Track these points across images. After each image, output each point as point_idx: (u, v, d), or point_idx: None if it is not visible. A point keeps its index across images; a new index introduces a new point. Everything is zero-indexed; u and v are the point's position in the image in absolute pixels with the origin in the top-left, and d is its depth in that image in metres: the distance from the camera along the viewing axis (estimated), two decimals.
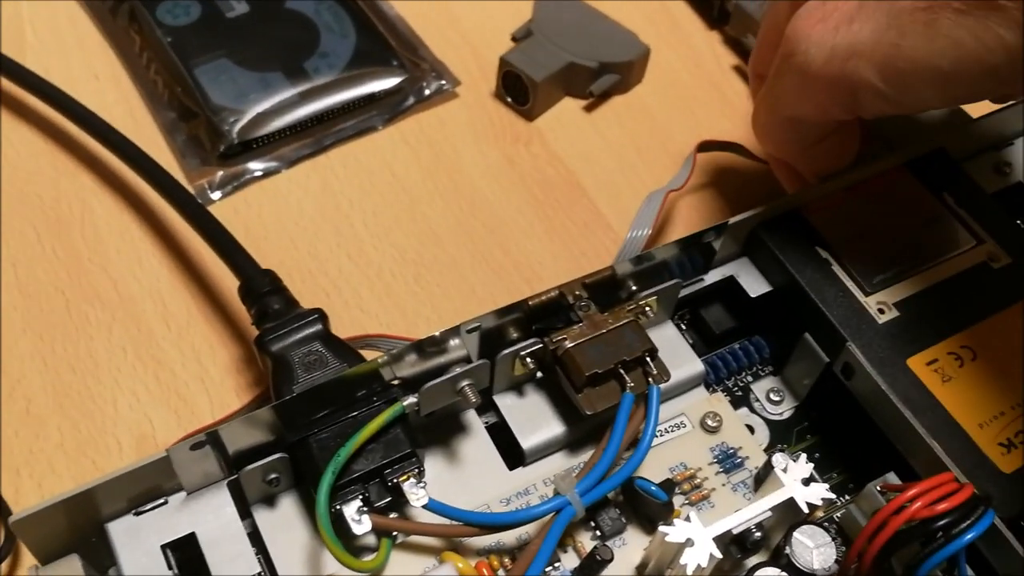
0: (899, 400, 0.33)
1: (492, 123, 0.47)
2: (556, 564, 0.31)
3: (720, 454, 0.34)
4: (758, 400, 0.37)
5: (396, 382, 0.32)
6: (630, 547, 0.31)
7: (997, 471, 0.32)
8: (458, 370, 0.31)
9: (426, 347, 0.31)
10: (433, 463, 0.33)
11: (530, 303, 0.33)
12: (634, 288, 0.34)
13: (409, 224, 0.43)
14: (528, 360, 0.33)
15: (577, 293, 0.33)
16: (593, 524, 0.32)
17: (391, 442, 0.30)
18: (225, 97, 0.44)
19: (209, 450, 0.29)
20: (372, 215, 0.43)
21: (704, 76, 0.50)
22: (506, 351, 0.32)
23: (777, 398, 0.37)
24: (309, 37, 0.47)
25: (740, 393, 0.37)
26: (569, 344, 0.32)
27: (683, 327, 0.38)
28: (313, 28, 0.47)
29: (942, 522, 0.28)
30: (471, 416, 0.34)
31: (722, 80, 0.50)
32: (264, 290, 0.34)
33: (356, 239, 0.42)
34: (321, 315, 0.34)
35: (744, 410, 0.37)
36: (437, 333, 0.31)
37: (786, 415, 0.37)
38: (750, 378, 0.38)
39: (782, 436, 0.36)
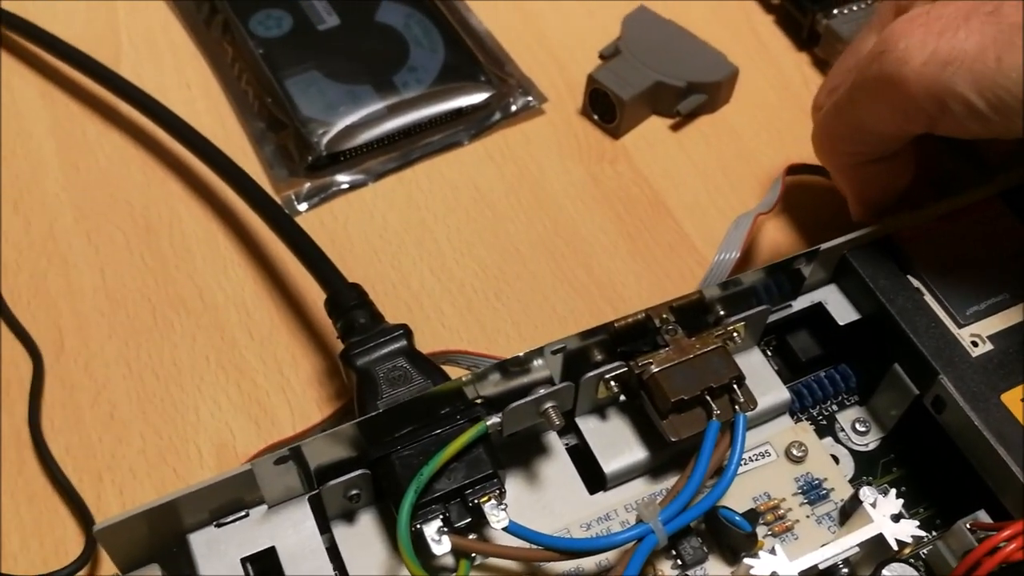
0: (992, 436, 0.32)
1: (578, 141, 0.47)
2: None
3: (805, 485, 0.33)
4: (843, 430, 0.36)
5: (479, 401, 0.32)
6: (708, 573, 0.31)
7: None
8: (542, 391, 0.31)
9: (510, 367, 0.31)
10: (513, 484, 0.33)
11: (616, 325, 0.32)
12: (722, 313, 0.34)
13: (492, 240, 0.43)
14: (612, 383, 0.33)
15: (664, 316, 0.33)
16: (674, 553, 0.31)
17: (473, 462, 0.30)
18: (314, 109, 0.45)
19: (292, 465, 0.29)
20: (455, 230, 0.43)
21: (792, 98, 0.49)
22: (591, 374, 0.32)
23: (863, 428, 0.36)
24: (398, 51, 0.47)
25: (825, 422, 0.37)
26: (655, 369, 0.32)
27: (768, 353, 0.38)
28: (403, 42, 0.48)
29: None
30: (552, 438, 0.34)
31: (810, 102, 0.49)
32: (351, 304, 0.35)
33: (439, 253, 0.42)
34: (406, 331, 0.34)
35: (829, 440, 0.36)
36: (522, 354, 0.31)
37: (872, 446, 0.36)
38: (835, 407, 0.37)
39: (867, 468, 0.36)
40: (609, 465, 0.33)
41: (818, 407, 0.37)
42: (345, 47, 0.47)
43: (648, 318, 0.33)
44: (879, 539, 0.29)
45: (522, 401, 0.30)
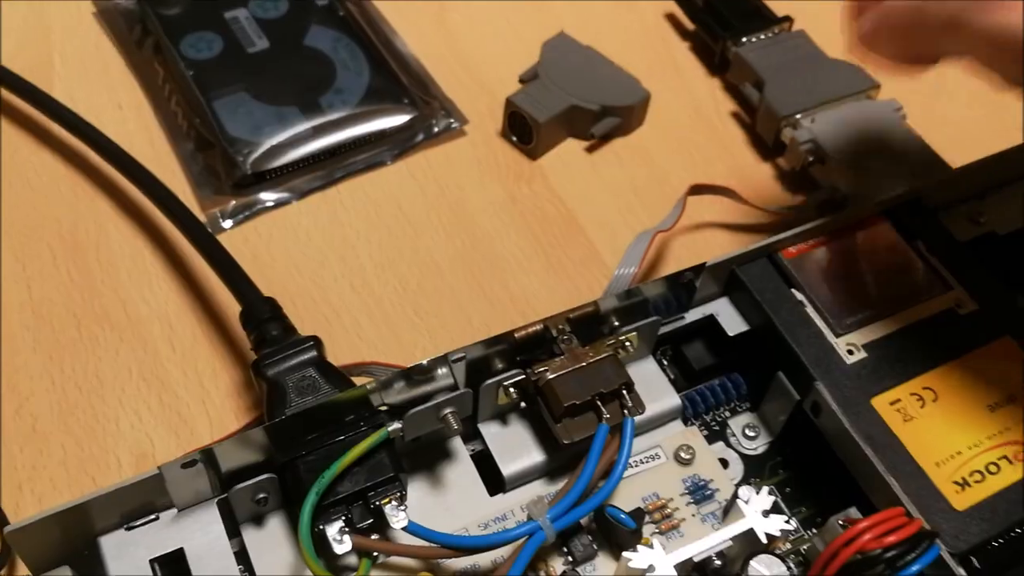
0: (861, 438, 0.34)
1: (497, 161, 0.49)
2: None
3: (692, 485, 0.35)
4: (734, 435, 0.39)
5: (384, 408, 0.33)
6: (600, 573, 0.33)
7: (950, 508, 0.33)
8: (442, 398, 0.33)
9: (413, 375, 0.33)
10: (417, 488, 0.35)
11: (516, 335, 0.34)
12: (616, 324, 0.36)
13: (412, 256, 0.45)
14: (512, 390, 0.35)
15: (560, 327, 0.35)
16: (566, 550, 0.33)
17: (375, 466, 0.32)
18: (241, 129, 0.46)
19: (201, 468, 0.31)
20: (377, 246, 0.45)
21: (703, 121, 0.52)
22: (490, 381, 0.34)
23: (752, 433, 0.39)
24: (326, 73, 0.49)
25: (717, 428, 0.39)
26: (550, 376, 0.34)
27: (665, 363, 0.40)
28: (330, 65, 0.49)
29: (890, 554, 0.29)
30: (457, 443, 0.36)
31: (720, 125, 0.52)
32: (264, 316, 0.36)
33: (360, 269, 0.44)
34: (316, 342, 0.36)
35: (720, 444, 0.38)
36: (424, 362, 0.33)
37: (761, 450, 0.38)
38: (728, 413, 0.39)
39: (756, 470, 0.38)
40: (508, 468, 0.35)
41: (711, 413, 0.39)
42: (274, 70, 0.49)
43: (546, 328, 0.35)
44: (750, 533, 0.31)
45: (422, 407, 0.32)
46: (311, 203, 0.46)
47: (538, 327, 0.35)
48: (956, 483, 0.34)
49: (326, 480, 0.31)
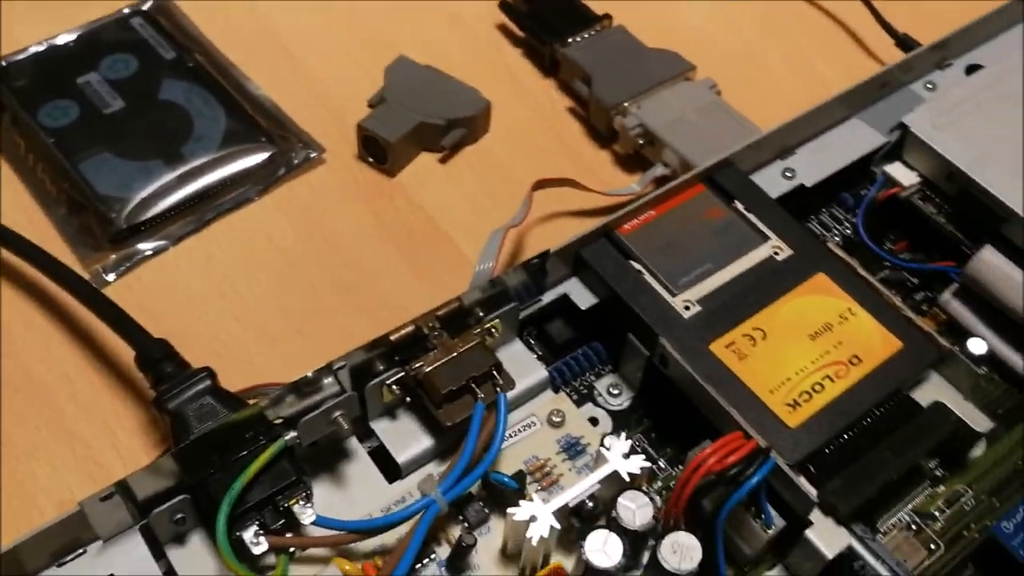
0: (702, 379, 0.39)
1: (357, 183, 0.52)
2: (432, 556, 0.37)
3: (565, 444, 0.40)
4: (601, 395, 0.43)
5: (279, 421, 0.37)
6: (494, 533, 0.37)
7: (785, 426, 0.38)
8: (330, 403, 0.36)
9: (301, 387, 0.37)
10: (323, 487, 0.38)
11: (391, 337, 0.38)
12: (480, 314, 0.40)
13: (289, 283, 0.48)
14: (394, 387, 0.39)
15: (431, 324, 0.39)
16: (462, 517, 0.37)
17: (278, 473, 0.36)
18: (110, 187, 0.49)
19: (119, 500, 0.34)
20: (254, 279, 0.48)
21: (542, 121, 0.56)
22: (373, 382, 0.38)
23: (616, 392, 0.43)
24: (183, 124, 0.52)
25: (586, 391, 0.43)
26: (426, 369, 0.38)
27: (532, 342, 0.44)
28: (186, 115, 0.52)
29: (732, 472, 0.34)
30: (353, 443, 0.39)
31: (558, 123, 0.56)
32: (157, 357, 0.39)
33: (241, 301, 0.47)
34: (209, 372, 0.39)
35: (589, 405, 0.43)
36: (309, 373, 0.36)
37: (625, 405, 0.43)
38: (593, 378, 0.44)
39: (624, 423, 0.43)
40: (401, 456, 0.39)
41: (578, 380, 0.44)
42: (132, 127, 0.52)
43: (417, 328, 0.39)
44: (615, 475, 0.36)
45: (312, 415, 0.36)
46: (187, 247, 0.49)
47: (410, 328, 0.39)
48: (788, 404, 0.39)
49: (235, 491, 0.34)
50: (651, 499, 0.35)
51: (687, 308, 0.42)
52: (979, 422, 0.41)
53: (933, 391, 0.41)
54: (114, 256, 0.48)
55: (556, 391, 0.42)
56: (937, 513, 0.41)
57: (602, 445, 0.37)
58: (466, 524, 0.37)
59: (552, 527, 0.34)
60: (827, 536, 0.37)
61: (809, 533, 0.37)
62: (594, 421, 0.42)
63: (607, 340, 0.44)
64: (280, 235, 0.50)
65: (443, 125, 0.53)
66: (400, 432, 0.39)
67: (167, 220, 0.49)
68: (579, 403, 0.43)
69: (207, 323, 0.46)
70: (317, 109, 0.55)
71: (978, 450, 0.43)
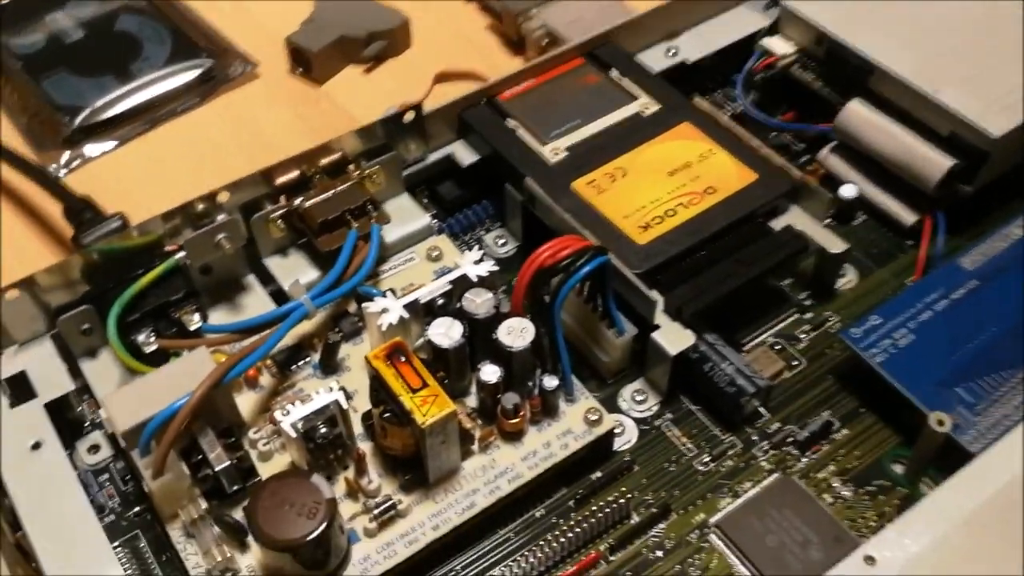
0: (561, 208, 0.43)
1: (288, 91, 0.58)
2: (307, 358, 0.41)
3: (439, 271, 0.44)
4: (488, 246, 0.47)
5: (175, 248, 0.42)
6: (367, 344, 0.41)
7: (632, 242, 0.42)
8: (212, 224, 0.41)
9: (191, 215, 0.41)
10: (222, 313, 0.43)
11: (276, 180, 0.43)
12: (363, 163, 0.45)
13: (222, 174, 0.53)
14: (279, 222, 0.43)
15: (313, 169, 0.44)
16: (338, 329, 0.41)
17: (171, 287, 0.41)
18: (66, 99, 0.55)
19: (28, 299, 0.39)
20: (192, 172, 0.53)
21: (462, 37, 0.61)
22: (259, 214, 0.43)
23: (503, 242, 0.47)
24: (134, 48, 0.58)
25: (475, 244, 0.47)
26: (306, 204, 0.42)
27: (426, 201, 0.48)
28: (137, 41, 0.59)
29: (564, 263, 0.38)
30: (252, 280, 0.44)
31: (477, 38, 0.61)
32: (79, 208, 0.45)
33: (179, 190, 0.52)
34: (121, 216, 0.44)
35: (481, 252, 0.47)
36: (199, 203, 0.41)
37: (511, 253, 0.47)
38: (484, 232, 0.48)
39: (509, 269, 0.46)
40: (288, 283, 0.43)
41: (468, 234, 0.48)
42: (90, 52, 0.58)
43: (302, 172, 0.43)
44: (464, 277, 0.39)
45: (197, 233, 0.41)
46: (133, 147, 0.55)
47: (294, 172, 0.43)
48: (640, 227, 0.42)
49: (126, 296, 0.39)
50: (498, 298, 0.39)
51: (555, 154, 0.45)
52: (834, 244, 0.43)
53: (791, 220, 0.44)
54: (67, 153, 0.54)
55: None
56: (801, 336, 0.44)
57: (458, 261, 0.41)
58: (339, 332, 0.41)
59: (401, 316, 0.38)
60: (672, 337, 0.40)
61: (656, 335, 0.40)
62: (491, 260, 0.46)
63: (493, 198, 0.48)
64: (215, 136, 0.55)
65: (364, 38, 0.58)
66: (290, 266, 0.44)
67: (116, 125, 0.55)
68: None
69: (147, 209, 0.51)
70: (255, 31, 0.61)
71: (849, 284, 0.46)
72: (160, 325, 0.40)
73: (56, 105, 0.55)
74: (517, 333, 0.38)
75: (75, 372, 0.41)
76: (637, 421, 0.41)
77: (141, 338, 0.39)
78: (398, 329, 0.38)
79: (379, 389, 0.35)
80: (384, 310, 0.38)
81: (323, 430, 0.35)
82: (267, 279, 0.44)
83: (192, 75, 0.57)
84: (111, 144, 0.55)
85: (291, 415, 0.35)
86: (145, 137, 0.55)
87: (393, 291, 0.42)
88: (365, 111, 0.56)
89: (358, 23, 0.58)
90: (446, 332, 0.37)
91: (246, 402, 0.39)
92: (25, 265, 0.47)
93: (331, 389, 0.36)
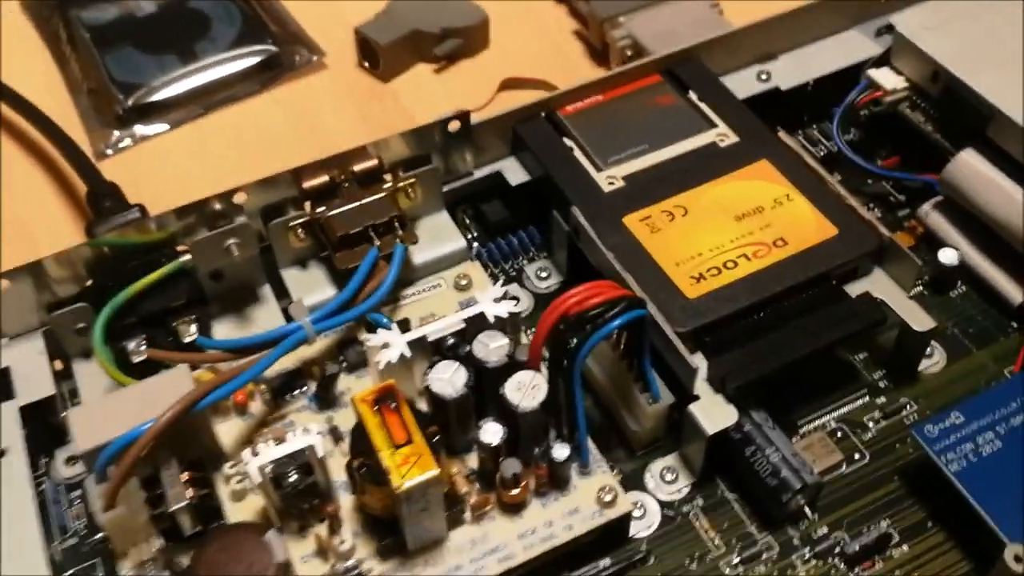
0: (606, 246, 0.38)
1: (351, 85, 0.54)
2: (304, 388, 0.37)
3: (465, 303, 0.39)
4: (529, 278, 0.43)
5: (184, 248, 0.39)
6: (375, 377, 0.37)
7: (681, 295, 0.36)
8: (224, 228, 0.38)
9: (206, 214, 0.38)
10: (229, 325, 0.39)
11: (303, 184, 0.39)
12: (400, 174, 0.41)
13: (270, 168, 0.50)
14: (299, 231, 0.39)
15: (343, 176, 0.40)
16: (342, 358, 0.38)
17: (173, 293, 0.38)
18: (125, 75, 0.53)
19: (28, 289, 0.36)
20: (238, 162, 0.51)
21: (546, 40, 0.56)
22: (278, 220, 0.39)
23: (545, 275, 0.43)
24: (202, 27, 0.56)
25: (515, 274, 0.43)
26: (328, 213, 0.39)
27: (467, 221, 0.44)
28: (207, 20, 0.56)
29: (593, 312, 0.33)
30: (267, 291, 0.40)
31: (562, 43, 0.56)
32: (103, 193, 0.43)
33: (225, 181, 0.49)
34: (141, 208, 0.41)
35: (515, 286, 0.42)
36: (216, 202, 0.38)
37: (553, 288, 0.42)
38: (525, 261, 0.43)
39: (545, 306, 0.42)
40: (306, 299, 0.39)
41: (510, 262, 0.43)
42: (157, 28, 0.56)
43: (331, 178, 0.40)
44: (480, 316, 0.35)
45: (205, 235, 0.37)
46: (184, 131, 0.52)
47: (323, 176, 0.40)
48: (693, 277, 0.37)
49: (119, 298, 0.36)
50: (515, 344, 0.34)
51: (611, 184, 0.41)
52: (919, 320, 0.37)
53: (872, 286, 0.38)
54: (116, 133, 0.52)
55: (486, 269, 0.42)
56: (871, 424, 0.38)
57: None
58: (345, 363, 0.37)
59: (403, 354, 0.34)
60: (711, 412, 0.35)
61: (693, 407, 0.35)
62: (513, 300, 0.41)
63: (542, 225, 0.43)
64: (271, 126, 0.52)
65: (438, 34, 0.54)
66: (307, 280, 0.40)
67: (171, 108, 0.53)
68: (506, 283, 0.42)
69: (185, 194, 0.49)
70: (330, 19, 0.58)
71: (936, 367, 0.40)
72: (156, 333, 0.37)
73: (114, 81, 0.53)
74: (528, 390, 0.33)
75: (69, 373, 0.38)
76: (662, 504, 0.36)
77: (132, 345, 0.37)
78: (399, 369, 0.34)
79: (359, 438, 0.32)
80: (385, 345, 0.34)
81: (293, 478, 0.32)
82: (284, 292, 0.41)
83: (254, 60, 0.54)
84: (163, 127, 0.52)
85: (260, 456, 0.31)
86: (198, 122, 0.53)
87: (407, 321, 0.38)
88: (428, 113, 0.52)
89: (433, 18, 0.54)
90: (449, 379, 0.33)
91: (231, 430, 0.36)
92: (37, 252, 0.45)
93: (308, 431, 0.32)
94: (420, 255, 0.40)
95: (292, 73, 0.55)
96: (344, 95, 0.54)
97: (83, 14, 0.57)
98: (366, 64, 0.55)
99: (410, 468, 0.30)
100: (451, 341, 0.35)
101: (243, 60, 0.54)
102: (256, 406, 0.37)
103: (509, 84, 0.49)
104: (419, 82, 0.54)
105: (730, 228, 0.39)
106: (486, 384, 0.34)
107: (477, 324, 0.35)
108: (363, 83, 0.54)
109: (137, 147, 0.52)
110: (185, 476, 0.33)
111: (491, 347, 0.34)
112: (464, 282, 0.40)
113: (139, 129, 0.52)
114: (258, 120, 0.53)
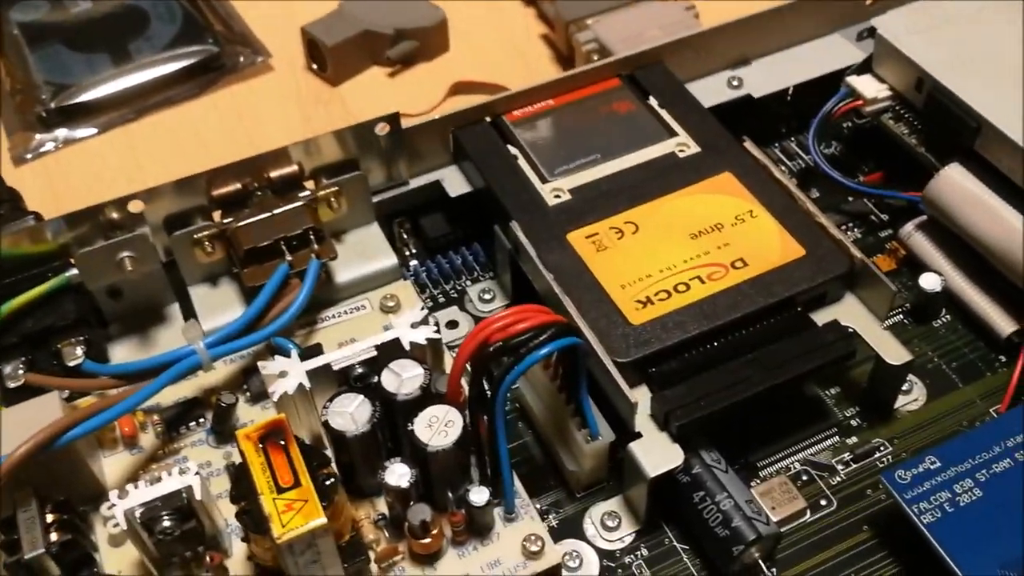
0: (545, 265, 0.34)
1: (298, 89, 0.51)
2: (201, 420, 0.33)
3: (388, 326, 0.35)
4: (471, 301, 0.39)
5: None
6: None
7: (624, 320, 0.32)
8: (117, 239, 0.34)
9: (98, 218, 0.34)
10: (129, 347, 0.36)
11: (212, 192, 0.35)
12: (323, 181, 0.37)
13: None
14: (207, 244, 0.36)
15: (259, 182, 0.36)
16: (246, 387, 0.34)
17: (60, 311, 0.34)
18: (51, 74, 0.50)
19: None
20: (165, 169, 0.47)
21: (510, 45, 0.53)
22: (181, 231, 0.35)
23: (488, 297, 0.39)
24: (140, 24, 0.52)
25: (456, 295, 0.39)
26: (236, 224, 0.35)
27: (405, 236, 0.40)
28: (145, 17, 0.53)
29: (517, 339, 0.29)
30: (175, 310, 0.37)
31: (527, 48, 0.52)
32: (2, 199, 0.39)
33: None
34: (36, 216, 0.37)
35: (454, 308, 0.38)
36: (112, 210, 0.34)
37: (496, 312, 0.38)
38: (468, 282, 0.39)
39: None
40: (207, 323, 0.35)
41: (451, 282, 0.39)
42: (91, 25, 0.52)
43: (243, 186, 0.36)
44: (395, 342, 0.31)
45: (93, 247, 0.33)
46: (112, 136, 0.49)
47: (235, 184, 0.36)
48: (639, 302, 0.33)
49: None
50: (437, 373, 0.30)
51: (556, 196, 0.37)
52: (893, 352, 0.33)
53: (842, 314, 0.34)
54: (39, 137, 0.48)
55: (424, 291, 0.38)
56: (839, 466, 0.34)
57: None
58: (247, 390, 0.33)
59: (301, 384, 0.30)
60: (654, 452, 0.31)
61: (633, 446, 0.31)
62: (452, 324, 0.38)
63: (487, 241, 0.39)
64: (207, 131, 0.49)
65: (391, 35, 0.50)
66: (216, 299, 0.36)
67: (100, 110, 0.49)
68: (445, 305, 0.38)
69: None
70: (278, 19, 0.54)
71: (915, 404, 0.36)
72: (39, 356, 0.33)
73: (39, 81, 0.49)
74: (440, 427, 0.29)
75: None
76: (601, 553, 0.32)
77: (8, 369, 0.33)
78: (299, 401, 0.30)
79: (241, 479, 0.27)
80: (282, 373, 0.30)
81: (167, 523, 0.27)
82: (194, 312, 0.37)
83: (192, 61, 0.51)
84: (90, 131, 0.49)
85: (129, 498, 0.27)
86: (128, 127, 0.49)
87: (319, 347, 0.34)
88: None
89: (387, 18, 0.50)
90: (351, 413, 0.29)
91: (118, 465, 0.32)
92: None
93: (186, 470, 0.28)
94: (345, 272, 0.36)
95: (234, 75, 0.51)
96: (289, 99, 0.50)
97: (14, 10, 0.53)
98: (314, 67, 0.51)
99: (294, 516, 0.26)
100: (360, 370, 0.31)
101: (180, 60, 0.51)
102: (147, 439, 0.33)
103: (460, 88, 0.45)
104: (370, 86, 0.51)
105: (684, 247, 0.35)
106: (399, 419, 0.30)
107: (391, 351, 0.31)
108: (310, 86, 0.51)
109: (61, 151, 0.48)
110: (50, 518, 0.29)
111: (404, 377, 0.30)
112: (392, 303, 0.36)
113: (64, 132, 0.48)
114: (195, 125, 0.49)
